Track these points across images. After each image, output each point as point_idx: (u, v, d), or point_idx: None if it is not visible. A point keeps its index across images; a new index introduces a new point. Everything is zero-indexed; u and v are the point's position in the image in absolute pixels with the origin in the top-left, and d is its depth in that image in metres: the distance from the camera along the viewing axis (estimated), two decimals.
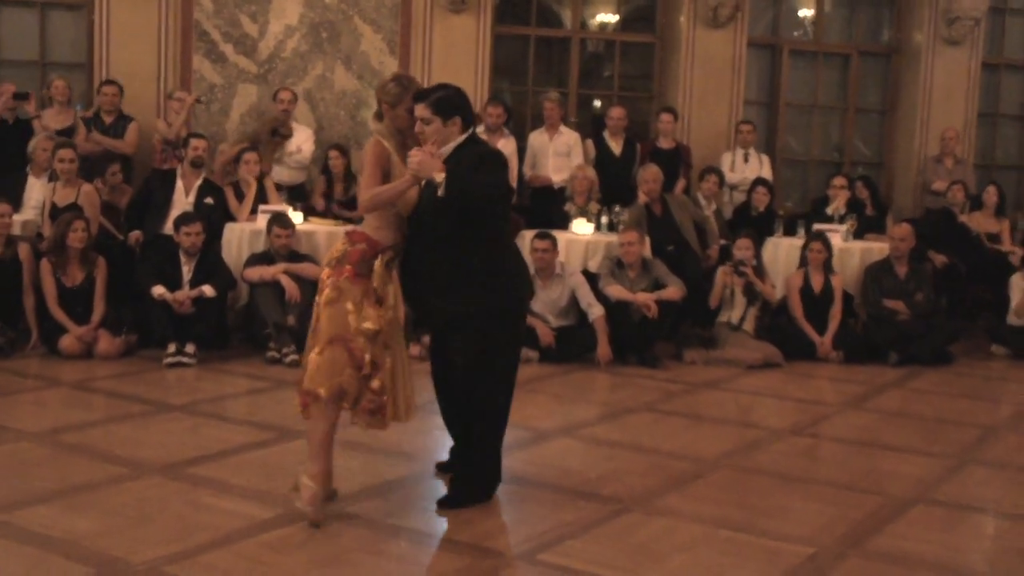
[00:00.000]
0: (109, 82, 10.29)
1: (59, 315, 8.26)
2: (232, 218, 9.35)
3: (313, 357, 4.89)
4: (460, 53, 11.42)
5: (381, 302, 4.94)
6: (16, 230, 8.67)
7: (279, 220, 8.71)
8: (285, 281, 8.46)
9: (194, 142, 9.37)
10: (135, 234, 9.15)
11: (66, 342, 8.16)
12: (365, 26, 11.23)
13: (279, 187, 10.00)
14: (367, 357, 4.88)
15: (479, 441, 5.23)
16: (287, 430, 6.31)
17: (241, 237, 9.06)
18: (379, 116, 5.17)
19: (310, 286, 8.59)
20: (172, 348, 8.07)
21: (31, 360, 8.15)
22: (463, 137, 5.02)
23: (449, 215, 4.88)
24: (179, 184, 9.25)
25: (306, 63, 11.15)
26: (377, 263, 4.94)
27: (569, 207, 10.00)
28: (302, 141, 10.39)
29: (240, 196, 9.50)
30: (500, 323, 5.10)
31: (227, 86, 11.02)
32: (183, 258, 8.42)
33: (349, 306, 4.87)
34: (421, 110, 4.95)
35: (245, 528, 4.75)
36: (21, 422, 6.50)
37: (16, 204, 8.99)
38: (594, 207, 9.87)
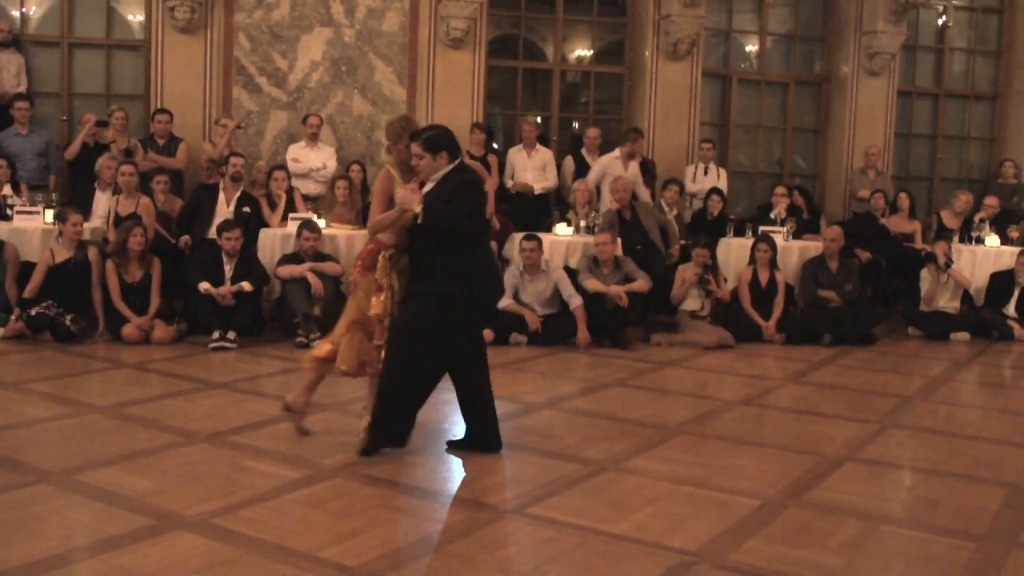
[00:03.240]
0: (162, 111, 10.27)
1: (122, 307, 8.24)
2: (266, 224, 9.33)
3: (342, 337, 5.32)
4: (458, 83, 11.40)
5: (382, 290, 5.20)
6: (86, 236, 8.65)
7: (307, 225, 8.71)
8: (311, 278, 8.45)
9: (234, 160, 9.34)
10: (185, 238, 9.13)
11: (127, 330, 8.15)
12: (378, 60, 11.20)
13: (305, 198, 10.00)
14: (379, 331, 5.24)
15: (385, 393, 5.25)
16: (314, 404, 6.28)
17: (274, 240, 9.05)
18: (389, 150, 5.48)
19: (333, 281, 8.61)
20: (216, 335, 8.07)
21: (98, 345, 8.14)
22: (450, 167, 5.20)
23: (435, 231, 5.12)
24: (221, 196, 9.22)
25: (328, 92, 11.12)
26: (380, 258, 5.23)
27: (571, 215, 10.00)
28: (326, 159, 10.37)
29: (273, 206, 9.50)
30: (452, 308, 5.18)
31: (262, 112, 10.99)
32: (225, 258, 8.40)
33: (361, 295, 5.28)
34: (415, 147, 5.19)
35: (279, 487, 4.74)
36: (91, 397, 6.49)
37: (86, 214, 8.97)
38: (594, 216, 9.85)
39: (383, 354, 5.23)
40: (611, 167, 10.47)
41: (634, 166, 10.60)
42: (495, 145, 11.13)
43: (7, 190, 9.25)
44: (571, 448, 5.56)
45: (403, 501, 4.66)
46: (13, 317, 8.18)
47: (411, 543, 4.16)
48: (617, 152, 10.61)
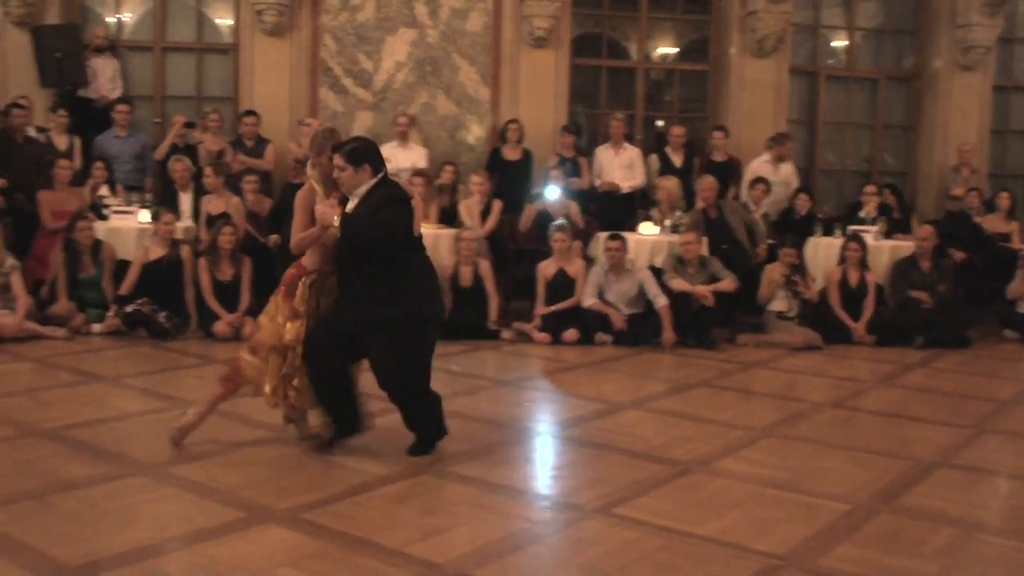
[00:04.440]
0: (249, 112, 10.46)
1: (213, 305, 8.41)
2: None
3: (253, 359, 5.21)
4: (542, 82, 11.40)
5: (299, 317, 5.09)
6: (178, 235, 8.85)
7: None
8: None
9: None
10: (273, 237, 9.27)
11: (219, 327, 8.32)
12: (462, 60, 11.26)
13: None
14: (291, 358, 5.14)
15: (414, 414, 5.27)
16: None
17: None
18: (313, 164, 5.24)
19: None
20: None
21: (191, 342, 8.31)
22: (373, 181, 5.02)
23: (356, 247, 4.98)
24: None
25: (413, 93, 11.21)
26: (301, 285, 5.11)
27: (655, 213, 9.94)
28: (416, 159, 10.43)
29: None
30: (407, 325, 5.06)
31: (347, 113, 11.13)
32: None
33: (280, 320, 5.12)
34: (337, 160, 5.00)
35: (367, 483, 4.79)
36: (184, 392, 6.61)
37: (178, 214, 9.19)
38: (679, 216, 9.79)
39: (295, 382, 5.16)
40: (761, 171, 10.59)
41: (785, 168, 10.79)
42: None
43: (104, 191, 9.51)
44: (657, 449, 5.52)
45: (488, 499, 4.67)
46: (110, 313, 8.41)
47: (497, 541, 4.17)
48: (766, 156, 10.81)
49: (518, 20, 11.29)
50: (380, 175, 5.06)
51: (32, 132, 9.75)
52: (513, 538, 4.21)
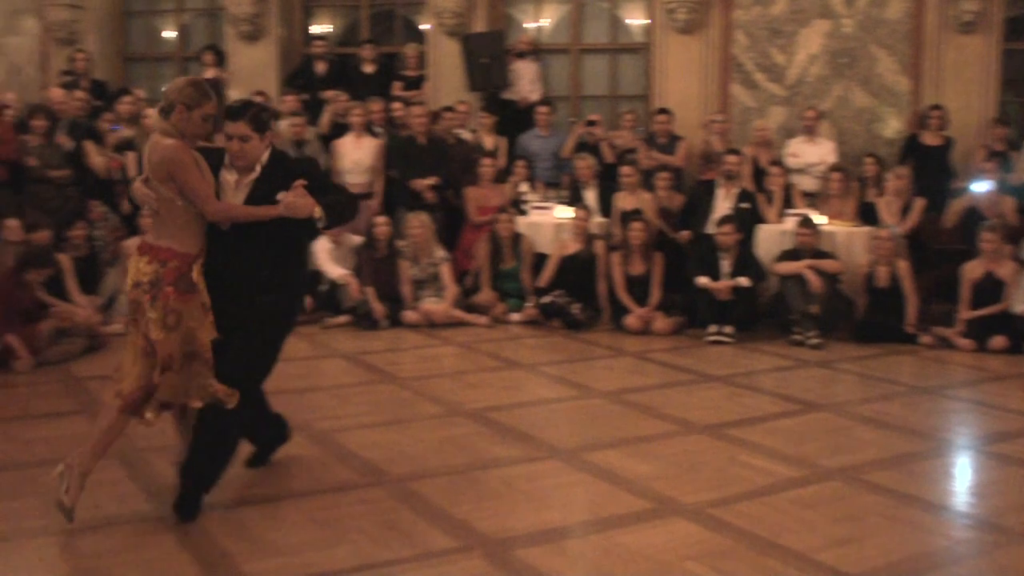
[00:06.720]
0: (662, 111, 10.60)
1: (625, 298, 8.62)
2: (764, 220, 9.30)
3: (170, 376, 4.15)
4: (969, 70, 10.58)
5: (208, 309, 4.24)
6: (593, 230, 9.15)
7: (804, 222, 8.56)
8: (810, 275, 8.29)
9: (728, 157, 9.40)
10: (684, 233, 9.34)
11: (630, 320, 8.50)
12: (880, 50, 10.72)
13: (804, 194, 9.82)
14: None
15: (214, 438, 4.31)
16: (812, 403, 6.20)
17: (771, 236, 8.99)
18: (165, 113, 4.20)
19: (831, 279, 8.39)
20: (713, 328, 8.18)
21: (602, 333, 8.52)
22: (269, 151, 4.34)
23: (281, 226, 4.22)
24: (719, 192, 9.32)
25: (827, 86, 10.84)
26: (195, 274, 4.19)
27: None
28: (825, 154, 10.09)
29: (770, 202, 9.45)
30: (286, 317, 4.49)
31: (759, 109, 10.97)
32: (722, 254, 8.49)
33: (193, 324, 4.16)
34: (239, 128, 4.20)
35: (775, 484, 4.71)
36: (595, 382, 6.83)
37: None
38: None
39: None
40: None
41: None
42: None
43: (524, 187, 10.05)
44: None
45: (903, 512, 4.42)
46: (528, 304, 8.88)
47: (913, 557, 3.94)
48: None
49: (943, 4, 10.56)
50: (270, 144, 4.38)
51: (464, 134, 10.50)
52: (931, 556, 3.97)
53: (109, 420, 4.22)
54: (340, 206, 4.37)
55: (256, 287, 4.29)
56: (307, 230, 4.36)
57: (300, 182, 4.17)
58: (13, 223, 7.87)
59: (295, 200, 4.14)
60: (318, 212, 4.18)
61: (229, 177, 4.30)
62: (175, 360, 4.14)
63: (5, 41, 12.36)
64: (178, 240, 4.17)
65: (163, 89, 4.52)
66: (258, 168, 4.30)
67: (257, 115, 4.25)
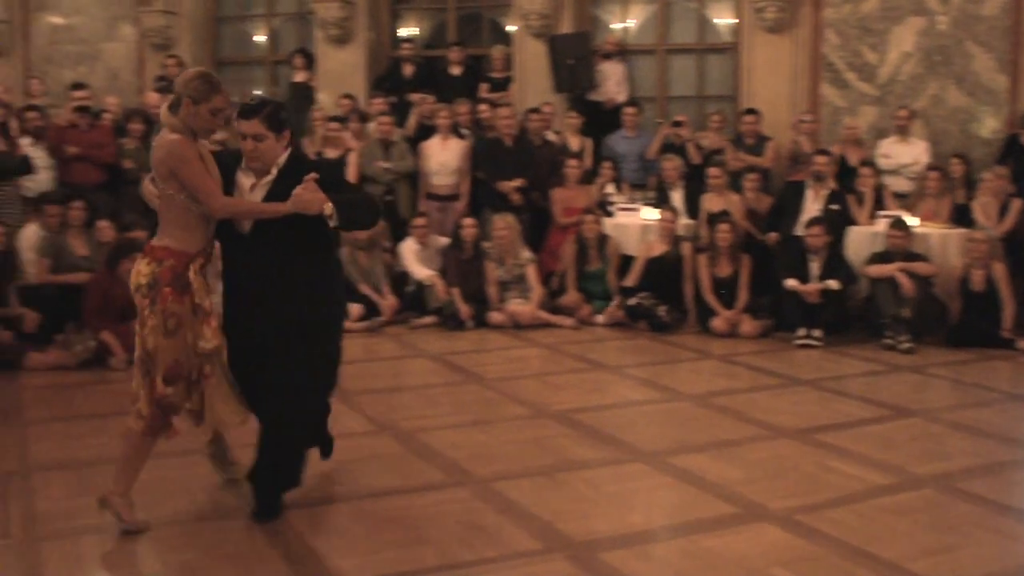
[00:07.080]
0: (749, 111, 10.47)
1: (711, 300, 8.53)
2: (854, 222, 9.13)
3: (179, 388, 4.08)
4: None
5: (208, 314, 4.08)
6: (679, 232, 9.08)
7: (896, 223, 8.40)
8: (902, 278, 8.11)
9: (817, 158, 9.25)
10: (772, 235, 9.22)
11: (716, 322, 8.41)
12: (976, 48, 10.43)
13: (896, 195, 9.63)
14: (206, 370, 4.11)
15: (285, 453, 4.30)
16: (903, 409, 6.07)
17: (861, 238, 8.82)
18: (173, 108, 4.09)
19: (924, 282, 8.20)
20: (802, 331, 8.06)
21: (688, 336, 8.46)
22: (288, 151, 4.20)
23: (299, 228, 4.07)
24: (808, 193, 9.16)
25: (920, 85, 10.58)
26: (191, 274, 4.05)
27: None
28: (918, 154, 9.87)
29: (860, 202, 9.28)
30: (325, 331, 4.31)
31: (849, 108, 10.77)
32: (811, 256, 8.36)
33: (187, 331, 4.04)
34: (253, 127, 4.06)
35: (865, 491, 4.63)
36: (681, 385, 6.78)
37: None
38: None
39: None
40: None
41: None
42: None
43: (611, 188, 10.01)
44: None
45: (1000, 522, 4.30)
46: (614, 305, 8.84)
47: (1013, 569, 3.85)
48: None
49: None
50: (290, 144, 4.26)
51: (551, 135, 10.50)
52: None
53: (133, 444, 4.14)
54: (353, 205, 4.17)
55: (279, 295, 4.13)
56: (322, 231, 4.14)
57: (312, 176, 4.02)
58: (105, 224, 8.09)
59: (303, 194, 3.98)
60: (328, 209, 4.00)
61: (244, 179, 4.19)
62: (183, 367, 4.05)
63: (103, 47, 12.75)
64: (176, 239, 4.06)
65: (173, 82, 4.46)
66: (274, 171, 4.16)
67: (272, 114, 4.11)
